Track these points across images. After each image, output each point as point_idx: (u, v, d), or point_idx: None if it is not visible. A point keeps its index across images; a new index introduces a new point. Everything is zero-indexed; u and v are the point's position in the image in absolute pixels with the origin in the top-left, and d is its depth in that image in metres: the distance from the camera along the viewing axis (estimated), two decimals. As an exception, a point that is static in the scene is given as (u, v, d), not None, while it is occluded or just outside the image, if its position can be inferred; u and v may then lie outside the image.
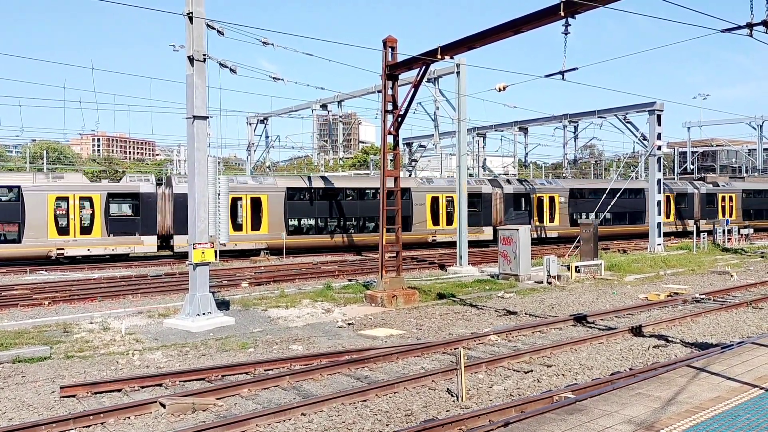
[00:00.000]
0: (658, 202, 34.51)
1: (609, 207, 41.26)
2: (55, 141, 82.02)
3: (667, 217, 45.21)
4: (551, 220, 41.30)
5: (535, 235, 38.85)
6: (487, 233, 38.32)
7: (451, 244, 33.71)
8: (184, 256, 29.74)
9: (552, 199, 41.32)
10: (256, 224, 32.36)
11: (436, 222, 36.96)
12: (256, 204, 32.42)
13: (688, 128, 62.59)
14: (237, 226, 31.61)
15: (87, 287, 21.37)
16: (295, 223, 34.32)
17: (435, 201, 37.04)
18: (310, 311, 17.10)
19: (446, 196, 37.05)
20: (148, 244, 30.10)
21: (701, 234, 38.29)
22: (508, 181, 41.47)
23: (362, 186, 37.14)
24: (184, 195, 29.67)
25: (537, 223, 40.34)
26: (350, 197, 35.73)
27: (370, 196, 36.08)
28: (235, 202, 31.22)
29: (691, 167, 66.54)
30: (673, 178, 55.76)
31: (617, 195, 40.87)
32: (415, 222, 36.11)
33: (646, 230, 40.77)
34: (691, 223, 46.57)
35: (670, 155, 67.29)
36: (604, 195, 38.80)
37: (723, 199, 50.07)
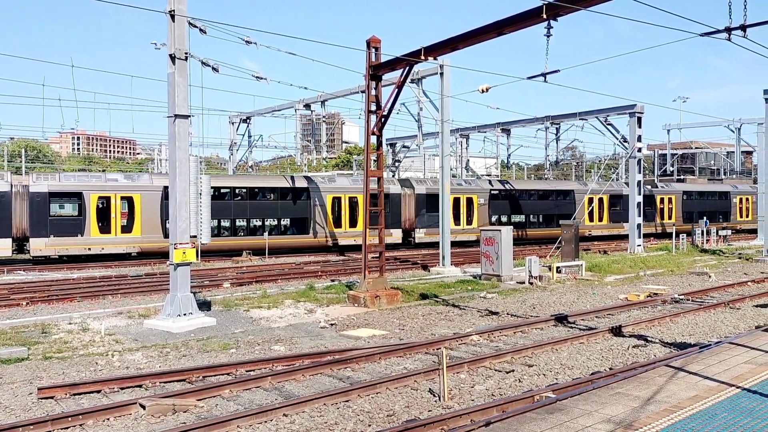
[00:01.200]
0: (638, 204, 34.91)
1: (533, 209, 40.80)
2: (34, 139, 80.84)
3: (600, 219, 44.63)
4: (468, 222, 38.92)
5: (455, 238, 35.41)
6: (395, 236, 35.75)
7: (356, 248, 32.56)
8: (45, 261, 28.48)
9: (470, 201, 39.14)
10: (127, 226, 29.96)
11: (338, 224, 34.86)
12: (128, 204, 30.00)
13: (668, 130, 63.37)
14: (105, 229, 29.48)
15: (66, 287, 21.10)
16: None
17: (337, 202, 34.93)
18: (293, 312, 17.05)
19: (350, 197, 35.01)
20: (3, 247, 28.07)
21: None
22: (420, 180, 39.30)
23: (255, 185, 34.40)
24: (43, 194, 28.22)
25: (453, 226, 36.12)
26: (240, 197, 33.39)
27: (263, 196, 33.92)
28: (107, 202, 29.50)
29: (671, 169, 67.39)
30: (609, 178, 53.73)
31: (541, 197, 40.29)
32: (317, 224, 34.27)
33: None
34: (627, 225, 45.24)
35: (650, 157, 68.10)
36: (530, 197, 38.73)
37: (661, 201, 48.11)
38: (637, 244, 34.54)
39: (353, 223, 34.86)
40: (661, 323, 15.31)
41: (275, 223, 34.24)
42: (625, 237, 44.90)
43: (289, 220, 34.41)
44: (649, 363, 10.63)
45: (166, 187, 29.90)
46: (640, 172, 35.27)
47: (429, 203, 36.86)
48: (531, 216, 42.34)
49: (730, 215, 52.62)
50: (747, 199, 54.47)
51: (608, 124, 37.58)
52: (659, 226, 47.62)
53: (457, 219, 37.76)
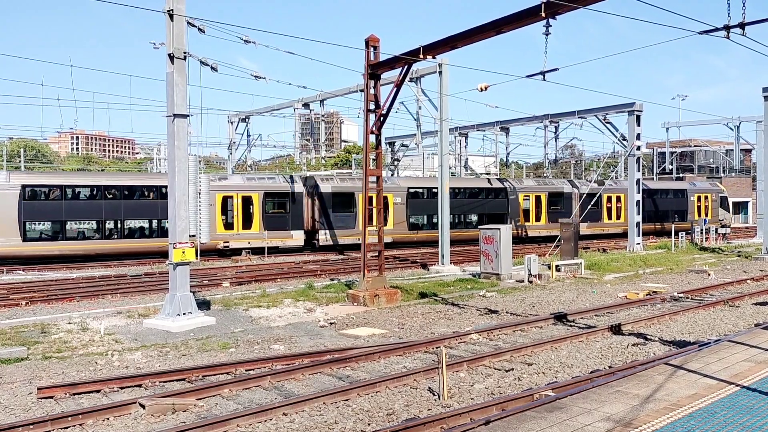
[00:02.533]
0: (637, 202, 34.92)
1: (461, 209, 37.78)
2: (33, 139, 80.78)
3: (537, 219, 41.55)
4: (384, 223, 36.46)
5: (353, 241, 34.28)
6: (296, 238, 33.34)
7: (257, 251, 31.09)
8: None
9: (385, 200, 36.60)
10: None
11: (229, 227, 31.89)
12: None
13: (667, 129, 63.48)
14: None
15: (65, 287, 21.09)
16: (38, 227, 28.64)
17: (227, 201, 31.97)
18: (292, 311, 17.05)
19: (242, 196, 32.23)
20: None
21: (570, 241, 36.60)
22: (326, 178, 36.62)
23: (132, 184, 31.39)
24: None
25: (361, 227, 35.57)
26: (113, 196, 30.10)
27: (141, 195, 30.82)
28: None
29: (670, 167, 67.46)
30: (547, 176, 50.95)
31: (471, 195, 37.89)
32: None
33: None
34: (608, 224, 43.39)
35: (650, 155, 68.17)
36: (456, 195, 35.92)
37: (608, 199, 44.52)
38: (636, 242, 34.55)
39: (248, 224, 32.15)
40: (661, 321, 15.32)
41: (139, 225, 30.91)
42: (608, 236, 42.90)
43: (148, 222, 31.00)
44: (648, 361, 10.63)
45: (26, 186, 27.89)
46: (639, 171, 35.30)
47: (335, 202, 34.54)
48: (459, 216, 38.80)
49: (687, 214, 49.17)
50: (706, 198, 51.23)
51: (607, 123, 37.62)
52: (605, 226, 44.66)
53: (369, 220, 35.40)
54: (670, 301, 18.44)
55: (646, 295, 19.49)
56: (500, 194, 40.01)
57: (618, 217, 44.38)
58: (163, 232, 29.72)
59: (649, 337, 13.60)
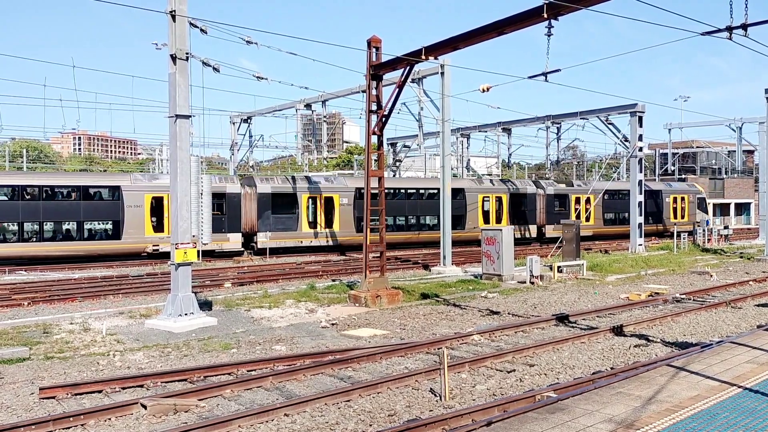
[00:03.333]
0: (639, 203, 34.87)
1: (413, 210, 36.05)
2: (35, 139, 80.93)
3: (498, 222, 39.33)
4: (328, 225, 34.41)
5: (309, 243, 33.40)
6: (233, 241, 31.73)
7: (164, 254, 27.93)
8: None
9: (330, 200, 34.44)
10: None
11: (160, 229, 29.97)
12: None
13: (669, 130, 63.33)
14: None
15: (67, 287, 21.11)
16: None
17: (157, 202, 30.20)
18: (294, 311, 17.05)
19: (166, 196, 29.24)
20: None
21: (548, 242, 35.32)
22: (266, 179, 34.97)
23: (51, 184, 29.26)
24: None
25: (308, 229, 33.67)
26: (31, 197, 28.34)
27: (62, 196, 29.08)
28: None
29: (672, 168, 67.39)
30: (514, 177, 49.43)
31: (424, 196, 36.35)
32: (126, 228, 29.50)
33: (465, 237, 36.01)
34: (533, 228, 41.36)
35: (652, 156, 68.11)
36: (409, 196, 34.78)
37: (577, 201, 42.89)
38: (638, 243, 34.51)
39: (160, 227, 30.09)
40: (663, 323, 15.30)
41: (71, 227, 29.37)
42: (530, 241, 40.21)
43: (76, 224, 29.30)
44: (650, 362, 10.62)
45: None
46: (641, 172, 35.24)
47: (275, 204, 32.91)
48: (411, 218, 37.21)
49: (663, 216, 47.77)
50: (683, 199, 49.56)
51: (609, 124, 37.56)
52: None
53: (313, 222, 33.96)
54: (672, 303, 18.42)
55: (648, 296, 19.47)
56: (458, 195, 37.33)
57: (587, 219, 42.29)
58: (88, 235, 29.28)
59: (651, 338, 13.58)
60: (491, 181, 41.79)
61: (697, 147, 70.37)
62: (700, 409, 6.88)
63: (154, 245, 30.01)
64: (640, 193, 35.00)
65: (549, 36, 14.06)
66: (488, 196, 38.81)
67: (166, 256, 28.22)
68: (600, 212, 44.18)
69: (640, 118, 34.63)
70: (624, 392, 7.53)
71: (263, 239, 32.48)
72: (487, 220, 39.07)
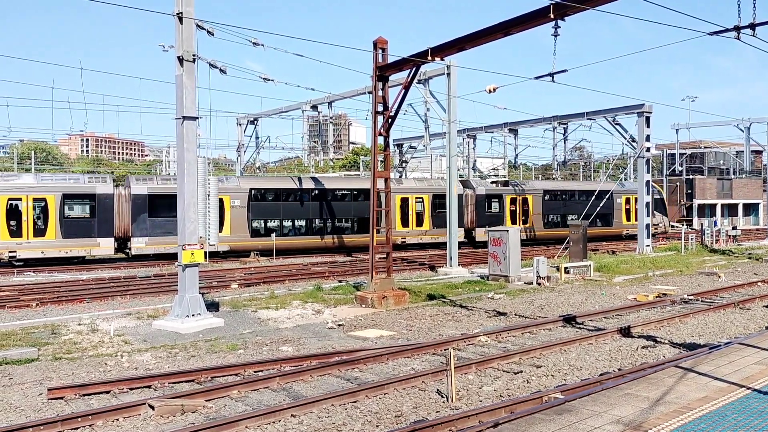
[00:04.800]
0: (647, 204, 34.74)
1: (317, 213, 34.05)
2: (43, 141, 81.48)
3: (418, 224, 36.57)
4: (219, 229, 32.35)
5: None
6: (105, 246, 29.59)
7: (58, 262, 28.01)
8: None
9: (219, 202, 32.29)
10: None
11: (18, 233, 27.83)
12: None
13: (677, 130, 63.11)
14: None
15: (75, 288, 21.21)
16: None
17: (13, 204, 27.96)
18: (300, 312, 17.07)
19: (33, 198, 28.21)
20: None
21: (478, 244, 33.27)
22: (145, 179, 32.36)
23: None
24: None
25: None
26: None
27: None
28: None
29: (680, 169, 67.10)
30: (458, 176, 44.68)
31: (334, 198, 34.38)
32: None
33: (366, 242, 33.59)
34: (461, 231, 36.74)
35: (659, 157, 67.84)
36: (313, 197, 33.11)
37: (512, 201, 40.04)
38: (646, 244, 34.38)
39: (38, 231, 28.40)
40: (671, 324, 15.23)
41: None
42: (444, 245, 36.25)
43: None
44: (658, 364, 10.57)
45: None
46: (648, 172, 35.09)
47: (154, 206, 30.21)
48: (316, 220, 34.69)
49: (613, 218, 44.18)
50: (636, 200, 42.77)
51: (616, 124, 37.44)
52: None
53: (377, 222, 32.04)
54: (680, 304, 18.33)
55: (656, 297, 19.38)
56: (361, 196, 35.27)
57: (524, 222, 40.22)
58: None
59: (658, 339, 13.52)
60: (415, 180, 38.95)
61: (705, 147, 70.07)
62: (708, 410, 6.85)
63: (10, 251, 27.68)
64: (648, 194, 34.84)
65: (556, 36, 14.03)
66: (407, 197, 36.06)
67: (28, 263, 27.72)
68: (540, 214, 41.45)
69: (648, 119, 34.49)
70: (632, 393, 7.51)
71: (138, 245, 30.12)
72: (405, 223, 36.34)
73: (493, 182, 42.25)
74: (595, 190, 38.18)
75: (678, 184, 67.54)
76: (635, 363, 11.47)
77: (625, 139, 37.70)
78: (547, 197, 41.69)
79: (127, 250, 31.10)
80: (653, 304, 18.13)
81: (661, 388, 7.67)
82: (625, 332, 13.98)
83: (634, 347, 12.76)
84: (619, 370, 10.90)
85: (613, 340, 13.53)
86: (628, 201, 44.76)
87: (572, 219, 39.64)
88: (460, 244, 35.80)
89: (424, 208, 36.97)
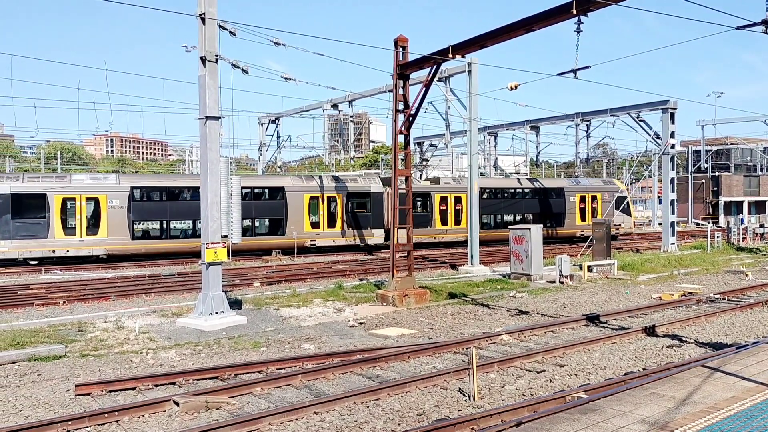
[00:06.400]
0: (672, 201, 34.27)
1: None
2: (69, 142, 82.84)
3: (331, 225, 33.97)
4: (93, 231, 29.23)
5: (65, 252, 28.56)
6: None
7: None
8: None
9: (95, 202, 29.36)
10: None
11: None
12: None
13: (702, 126, 62.13)
14: None
15: (101, 286, 21.55)
16: None
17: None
18: (322, 310, 17.14)
19: None
20: None
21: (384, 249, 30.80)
22: (9, 177, 29.57)
23: None
24: None
25: (62, 236, 28.57)
26: None
27: None
28: None
29: (705, 165, 66.03)
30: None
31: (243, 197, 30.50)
32: None
33: (288, 244, 31.80)
34: (376, 233, 35.01)
35: (684, 154, 66.85)
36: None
37: (442, 200, 37.21)
38: (671, 242, 33.92)
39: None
40: (696, 323, 15.01)
41: None
42: (369, 248, 34.76)
43: None
44: (684, 363, 10.43)
45: None
46: (673, 169, 34.61)
47: (18, 206, 27.83)
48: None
49: (564, 218, 41.06)
50: (593, 198, 42.26)
51: (640, 121, 36.95)
52: (439, 233, 36.93)
53: (72, 228, 28.81)
54: (706, 303, 18.05)
55: (681, 296, 19.12)
56: (277, 195, 32.96)
57: (457, 222, 37.12)
58: None
59: (684, 338, 13.34)
60: (334, 177, 36.13)
61: (731, 144, 68.85)
62: (736, 410, 6.74)
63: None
64: (673, 191, 34.36)
65: (578, 32, 13.91)
66: (316, 196, 33.61)
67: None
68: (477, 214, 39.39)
69: (672, 115, 34.02)
70: (657, 393, 7.41)
71: (4, 248, 27.82)
72: (316, 225, 33.84)
73: (427, 179, 40.37)
74: (542, 188, 36.00)
75: (704, 181, 66.48)
76: (660, 362, 11.32)
77: (650, 135, 37.18)
78: (485, 195, 37.42)
79: None
80: (678, 303, 17.88)
81: (687, 388, 7.56)
82: (650, 331, 13.81)
83: (659, 346, 12.59)
84: (644, 369, 10.77)
85: (637, 339, 13.37)
86: (583, 200, 41.92)
87: (519, 219, 38.00)
88: (380, 247, 34.96)
89: (338, 208, 34.42)
